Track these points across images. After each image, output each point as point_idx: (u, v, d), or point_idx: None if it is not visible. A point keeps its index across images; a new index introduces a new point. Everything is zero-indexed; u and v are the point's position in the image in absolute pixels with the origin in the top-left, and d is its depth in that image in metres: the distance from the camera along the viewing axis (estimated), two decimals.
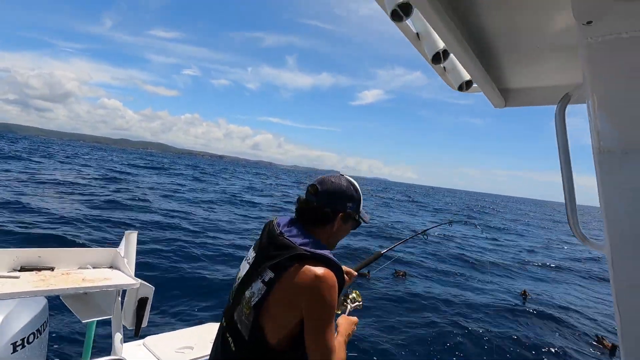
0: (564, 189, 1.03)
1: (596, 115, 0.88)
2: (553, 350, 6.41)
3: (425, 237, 2.55)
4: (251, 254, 1.31)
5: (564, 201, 1.04)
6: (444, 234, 16.55)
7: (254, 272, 1.22)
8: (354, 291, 1.65)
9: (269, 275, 1.16)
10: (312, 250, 1.16)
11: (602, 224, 0.92)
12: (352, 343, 5.74)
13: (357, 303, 1.62)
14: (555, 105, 1.06)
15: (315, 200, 1.30)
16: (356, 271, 1.76)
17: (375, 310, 7.05)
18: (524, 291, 9.09)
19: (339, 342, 1.27)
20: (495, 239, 19.04)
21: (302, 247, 1.17)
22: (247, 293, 1.20)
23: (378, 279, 9.55)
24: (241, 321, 1.19)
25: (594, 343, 6.98)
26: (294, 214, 1.37)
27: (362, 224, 1.42)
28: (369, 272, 10.27)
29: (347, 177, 1.36)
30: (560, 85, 1.26)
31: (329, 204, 1.29)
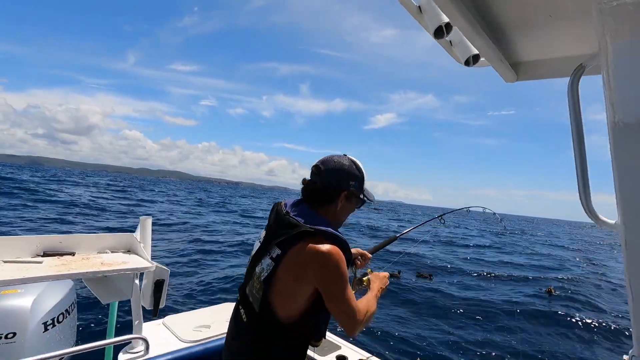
0: (576, 167, 0.98)
1: (611, 86, 0.83)
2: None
3: (442, 221, 2.52)
4: (262, 233, 1.37)
5: (576, 180, 1.00)
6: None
7: (263, 250, 1.28)
8: (370, 272, 1.67)
9: (276, 252, 1.22)
10: (317, 227, 1.20)
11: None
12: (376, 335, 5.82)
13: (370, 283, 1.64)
14: (569, 78, 1.01)
15: (318, 180, 1.33)
16: (371, 253, 1.78)
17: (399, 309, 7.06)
18: (550, 288, 8.76)
19: (367, 298, 1.37)
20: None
21: (307, 224, 1.21)
22: (258, 269, 1.26)
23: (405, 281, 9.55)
24: (252, 295, 1.26)
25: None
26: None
27: (367, 202, 1.42)
28: (399, 272, 10.29)
29: (350, 156, 1.37)
30: (574, 56, 1.19)
31: (331, 183, 1.32)
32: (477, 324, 6.78)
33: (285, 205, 1.35)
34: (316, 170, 1.35)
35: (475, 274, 11.37)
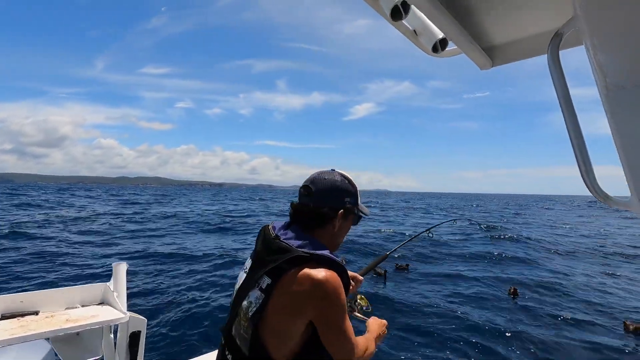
0: (572, 142, 0.85)
1: (597, 49, 0.72)
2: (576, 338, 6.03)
3: (430, 235, 2.46)
4: (248, 262, 1.22)
5: (574, 158, 0.87)
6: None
7: (250, 281, 1.13)
8: (360, 297, 1.55)
9: (266, 281, 1.07)
10: (312, 251, 1.08)
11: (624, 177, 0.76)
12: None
13: (365, 309, 1.54)
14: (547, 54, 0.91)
15: (310, 202, 1.20)
16: (362, 275, 1.64)
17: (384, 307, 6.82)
18: (513, 289, 8.26)
19: (366, 338, 1.26)
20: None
21: (300, 249, 1.08)
22: (245, 303, 1.10)
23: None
24: (240, 335, 1.10)
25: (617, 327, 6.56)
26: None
27: (363, 217, 1.33)
28: (385, 271, 10.09)
29: (339, 171, 1.27)
30: (551, 30, 1.10)
31: (326, 203, 1.20)
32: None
33: (274, 228, 1.22)
34: (306, 191, 1.22)
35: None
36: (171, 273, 9.23)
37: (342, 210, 1.20)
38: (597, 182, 0.81)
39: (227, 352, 1.15)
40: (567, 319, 6.78)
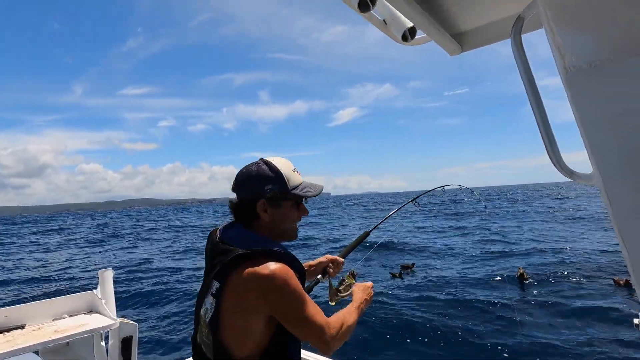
0: (537, 123, 0.89)
1: (554, 31, 0.76)
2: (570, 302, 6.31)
3: (417, 205, 2.29)
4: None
5: (540, 136, 0.91)
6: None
7: (204, 287, 1.13)
8: (348, 276, 1.51)
9: (215, 286, 1.07)
10: (253, 247, 1.05)
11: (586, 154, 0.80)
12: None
13: (347, 285, 1.47)
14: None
15: (237, 197, 1.19)
16: (342, 257, 1.63)
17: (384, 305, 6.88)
18: (522, 272, 8.44)
19: (345, 310, 1.22)
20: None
21: (240, 247, 1.06)
22: (202, 311, 1.11)
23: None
24: (204, 342, 1.10)
25: (609, 283, 6.92)
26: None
27: (308, 197, 1.21)
28: (413, 264, 10.02)
29: (266, 158, 1.19)
30: (514, 15, 1.14)
31: (244, 195, 1.17)
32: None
33: (219, 231, 1.19)
34: (232, 187, 1.21)
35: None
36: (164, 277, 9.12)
37: (263, 200, 1.14)
38: (563, 159, 0.86)
39: None
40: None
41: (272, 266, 1.02)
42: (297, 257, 1.14)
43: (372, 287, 1.41)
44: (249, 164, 1.20)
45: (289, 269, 1.04)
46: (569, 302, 6.60)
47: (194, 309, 1.20)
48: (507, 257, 10.97)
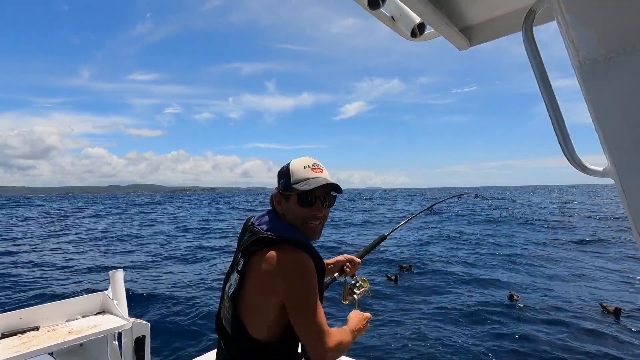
0: (550, 117, 0.89)
1: (568, 23, 0.75)
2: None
3: (432, 212, 2.38)
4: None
5: (553, 131, 0.90)
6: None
7: (232, 265, 1.22)
8: (360, 278, 1.56)
9: (241, 263, 1.14)
10: (278, 233, 1.12)
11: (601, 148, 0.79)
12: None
13: (363, 289, 1.54)
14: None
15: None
16: (359, 257, 1.66)
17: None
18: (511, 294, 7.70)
19: (344, 330, 1.22)
20: None
21: (267, 232, 1.14)
22: (227, 286, 1.20)
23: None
24: (225, 317, 1.19)
25: (598, 310, 6.80)
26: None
27: (302, 193, 1.19)
28: (410, 266, 10.04)
29: (298, 158, 1.25)
30: (524, 7, 1.12)
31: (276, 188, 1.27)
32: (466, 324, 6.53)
33: (255, 217, 1.29)
34: None
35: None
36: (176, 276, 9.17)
37: (277, 193, 1.24)
38: (576, 152, 0.85)
39: (219, 336, 1.23)
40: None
41: (295, 252, 1.07)
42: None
43: (369, 320, 1.37)
44: None
45: (310, 259, 1.08)
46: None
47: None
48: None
